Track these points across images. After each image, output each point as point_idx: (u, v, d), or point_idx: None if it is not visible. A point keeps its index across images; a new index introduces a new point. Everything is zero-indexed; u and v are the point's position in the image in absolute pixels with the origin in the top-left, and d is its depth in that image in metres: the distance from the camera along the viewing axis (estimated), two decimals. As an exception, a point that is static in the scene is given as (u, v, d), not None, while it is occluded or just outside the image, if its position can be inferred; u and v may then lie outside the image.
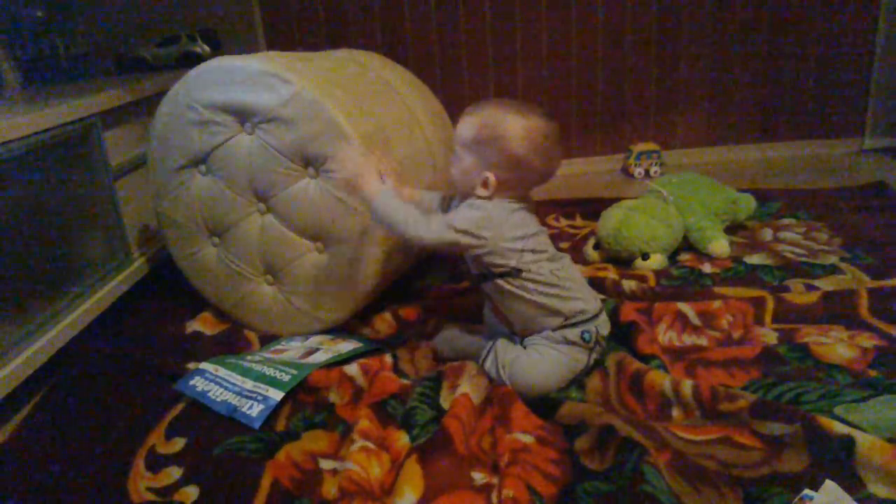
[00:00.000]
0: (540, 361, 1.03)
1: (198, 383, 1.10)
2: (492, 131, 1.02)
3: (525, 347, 1.06)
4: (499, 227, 1.01)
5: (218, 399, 1.06)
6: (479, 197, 1.05)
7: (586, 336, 1.04)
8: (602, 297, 1.26)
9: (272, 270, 1.29)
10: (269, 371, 1.11)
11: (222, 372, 1.12)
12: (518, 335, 1.09)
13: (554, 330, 1.04)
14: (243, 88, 1.19)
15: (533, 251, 1.03)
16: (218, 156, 1.25)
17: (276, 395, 1.05)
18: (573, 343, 1.04)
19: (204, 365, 1.15)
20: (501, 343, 1.07)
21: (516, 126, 1.02)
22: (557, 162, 1.08)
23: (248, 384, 1.09)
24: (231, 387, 1.09)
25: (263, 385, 1.08)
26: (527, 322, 1.07)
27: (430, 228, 1.01)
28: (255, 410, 1.03)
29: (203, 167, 1.28)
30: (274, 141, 1.18)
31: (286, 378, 1.09)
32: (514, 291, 1.03)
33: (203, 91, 1.23)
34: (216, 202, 1.28)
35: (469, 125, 1.05)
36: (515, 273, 1.02)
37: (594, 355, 1.07)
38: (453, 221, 1.01)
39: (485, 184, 1.04)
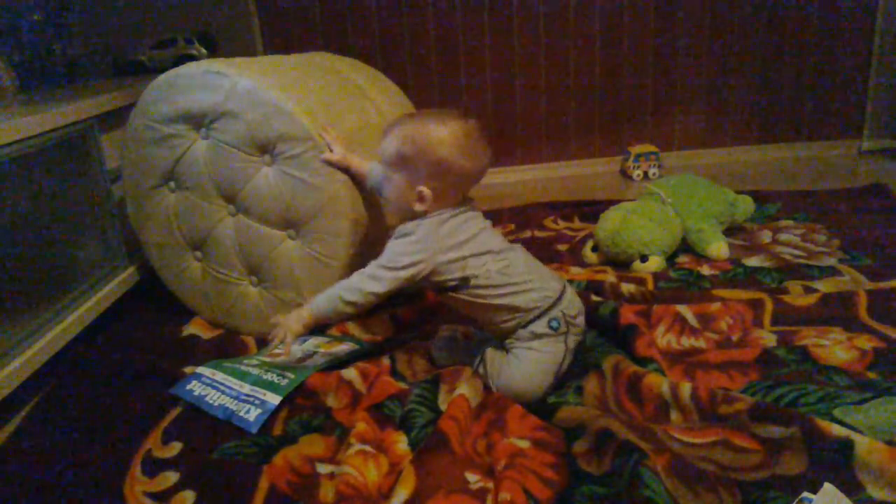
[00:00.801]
0: (520, 366, 1.03)
1: (195, 388, 1.10)
2: (415, 144, 1.02)
3: (508, 352, 1.06)
4: (431, 244, 1.02)
5: (215, 403, 1.06)
6: (417, 212, 1.05)
7: (553, 324, 1.03)
8: (599, 299, 1.27)
9: (254, 269, 1.30)
10: (267, 375, 1.11)
11: (219, 376, 1.12)
12: (497, 337, 1.09)
13: (523, 327, 1.04)
14: (188, 94, 1.23)
15: (476, 255, 1.03)
16: (182, 168, 1.28)
17: (274, 399, 1.05)
18: (544, 335, 1.03)
19: (201, 369, 1.14)
20: (490, 352, 1.07)
21: (437, 133, 1.02)
22: (486, 158, 1.06)
23: (246, 388, 1.08)
24: (228, 391, 1.08)
25: (261, 389, 1.07)
26: (494, 324, 1.06)
27: (367, 284, 1.04)
28: (252, 415, 1.02)
29: (172, 183, 1.31)
30: (226, 137, 1.21)
31: (284, 382, 1.08)
32: (468, 300, 1.04)
33: (155, 107, 1.27)
34: (190, 214, 1.31)
35: (391, 144, 1.05)
36: (464, 284, 1.03)
37: (573, 338, 1.05)
38: (387, 263, 1.03)
39: (420, 198, 1.03)
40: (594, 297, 1.26)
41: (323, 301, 1.08)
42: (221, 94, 1.19)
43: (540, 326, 1.03)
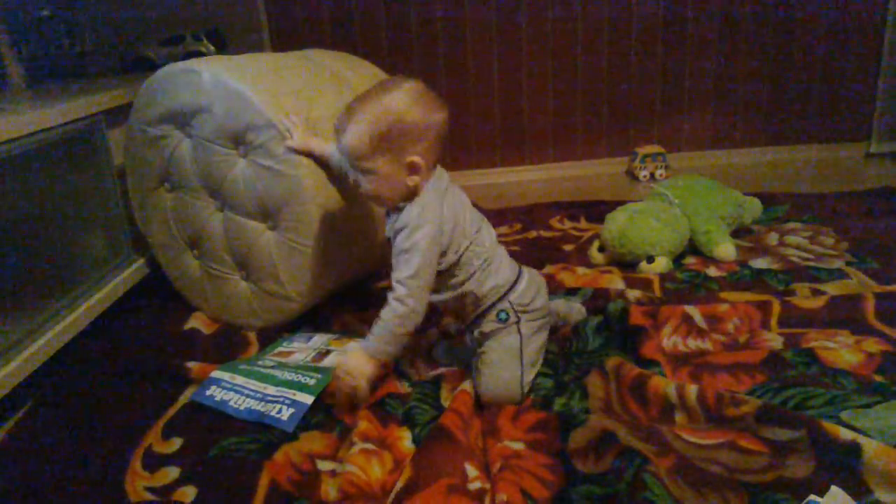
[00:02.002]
0: (484, 374, 1.03)
1: (215, 393, 1.09)
2: (386, 119, 0.97)
3: (476, 360, 1.06)
4: (443, 223, 0.99)
5: (240, 407, 1.05)
6: (411, 188, 1.00)
7: (502, 316, 1.02)
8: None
9: (241, 263, 1.31)
10: (290, 375, 1.11)
11: (239, 379, 1.11)
12: (464, 326, 1.09)
13: (477, 324, 1.04)
14: (168, 95, 1.25)
15: (464, 230, 1.02)
16: (172, 167, 1.30)
17: (306, 398, 1.04)
18: (494, 332, 1.03)
19: (217, 373, 1.14)
20: (474, 364, 1.07)
21: (396, 101, 0.97)
22: (445, 108, 1.01)
23: (271, 389, 1.08)
24: (253, 394, 1.07)
25: (289, 389, 1.07)
26: (451, 305, 1.06)
27: (417, 281, 0.97)
28: (285, 414, 1.02)
29: (167, 184, 1.33)
30: (204, 132, 1.23)
31: (312, 382, 1.08)
32: (447, 285, 1.03)
33: (143, 111, 1.29)
34: (184, 212, 1.33)
35: (358, 134, 0.98)
36: (452, 266, 1.02)
37: (527, 324, 1.03)
38: (412, 266, 0.97)
39: (413, 169, 0.99)
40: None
41: (382, 341, 1.00)
42: (194, 89, 1.21)
43: (489, 323, 1.03)
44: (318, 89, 1.30)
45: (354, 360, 1.01)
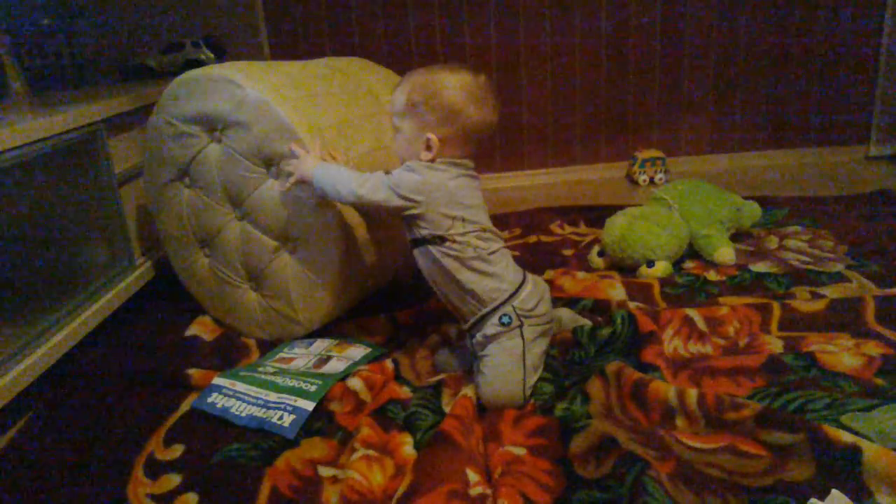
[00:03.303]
0: (486, 377, 1.03)
1: (217, 400, 1.09)
2: (424, 90, 1.03)
3: (477, 366, 1.06)
4: (435, 191, 1.02)
5: (242, 414, 1.05)
6: (422, 161, 1.04)
7: (504, 320, 1.03)
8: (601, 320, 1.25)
9: (253, 276, 1.30)
10: (291, 382, 1.11)
11: (240, 386, 1.11)
12: (463, 324, 1.09)
13: (478, 326, 1.04)
14: (204, 98, 1.22)
15: (464, 220, 1.03)
16: (195, 167, 1.28)
17: (307, 405, 1.05)
18: (497, 335, 1.03)
19: (218, 380, 1.14)
20: (476, 367, 1.07)
21: (447, 80, 1.03)
22: (495, 112, 1.06)
23: (272, 396, 1.08)
24: (254, 400, 1.08)
25: (290, 396, 1.07)
26: (454, 303, 1.06)
27: (365, 185, 1.03)
28: (286, 421, 1.02)
29: (187, 179, 1.31)
30: (236, 145, 1.21)
31: (313, 388, 1.08)
32: (438, 260, 1.03)
33: (175, 105, 1.26)
34: (201, 212, 1.31)
35: (402, 92, 1.06)
36: (440, 240, 1.02)
37: (530, 329, 1.04)
38: (389, 179, 1.02)
39: (427, 145, 1.04)
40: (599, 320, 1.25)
41: (327, 169, 1.08)
42: (234, 103, 1.18)
43: (491, 327, 1.03)
44: (362, 121, 1.30)
45: (307, 160, 1.10)
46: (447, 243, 1.02)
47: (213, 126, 1.23)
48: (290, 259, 1.24)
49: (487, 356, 1.04)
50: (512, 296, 1.04)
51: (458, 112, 1.02)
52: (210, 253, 1.36)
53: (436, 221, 1.02)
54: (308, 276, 1.23)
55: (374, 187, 1.03)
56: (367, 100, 1.38)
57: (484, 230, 1.05)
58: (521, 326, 1.03)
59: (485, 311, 1.03)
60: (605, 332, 1.16)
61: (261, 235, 1.25)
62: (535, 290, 1.07)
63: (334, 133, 1.21)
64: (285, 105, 1.16)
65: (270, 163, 1.20)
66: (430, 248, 1.03)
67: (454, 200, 1.02)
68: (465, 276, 1.02)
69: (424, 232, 1.03)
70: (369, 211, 1.19)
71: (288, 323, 1.29)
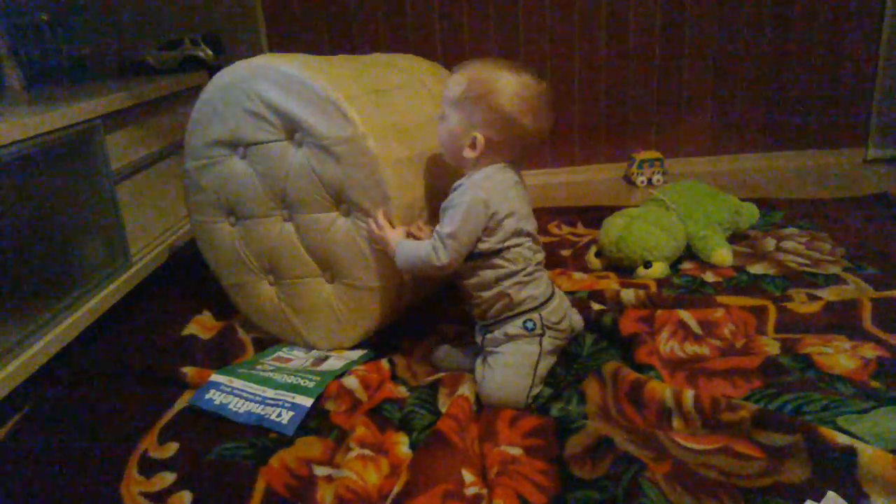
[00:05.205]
0: (495, 374, 1.02)
1: (214, 396, 1.09)
2: (481, 87, 0.98)
3: (486, 360, 1.05)
4: (502, 202, 0.98)
5: (240, 410, 1.05)
6: (465, 159, 1.02)
7: (529, 325, 1.02)
8: (602, 307, 1.26)
9: (276, 274, 1.27)
10: (290, 379, 1.11)
11: (238, 383, 1.11)
12: (477, 322, 1.08)
13: (500, 323, 1.03)
14: (301, 103, 1.12)
15: (520, 233, 1.01)
16: (259, 151, 1.19)
17: (305, 401, 1.04)
18: (518, 337, 1.02)
19: (216, 377, 1.14)
20: (478, 363, 1.06)
21: (507, 82, 0.98)
22: (548, 124, 1.03)
23: (270, 393, 1.08)
24: (252, 397, 1.07)
25: (288, 392, 1.07)
26: (480, 302, 1.04)
27: (439, 252, 0.98)
28: (284, 417, 1.02)
29: (242, 150, 1.22)
30: (318, 167, 1.13)
31: (311, 385, 1.08)
32: (484, 270, 1.01)
33: (263, 85, 1.15)
34: (245, 190, 1.23)
35: (458, 82, 1.01)
36: (494, 253, 1.00)
37: (549, 341, 1.04)
38: (454, 222, 0.97)
39: (472, 144, 1.00)
40: (595, 306, 1.26)
41: (406, 248, 1.03)
42: (337, 134, 1.09)
43: (514, 327, 1.02)
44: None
45: (389, 232, 1.06)
46: (502, 253, 1.00)
47: (296, 128, 1.14)
48: (325, 287, 1.21)
49: (500, 354, 1.03)
50: (542, 305, 1.03)
51: (513, 120, 0.98)
52: (237, 224, 1.28)
53: (500, 233, 0.99)
54: (341, 315, 1.21)
55: (449, 248, 0.98)
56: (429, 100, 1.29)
57: (534, 241, 1.04)
58: (542, 335, 1.03)
59: (513, 313, 1.03)
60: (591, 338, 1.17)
61: (302, 250, 1.21)
62: (559, 306, 1.07)
63: (416, 206, 1.15)
64: (389, 168, 1.08)
65: (345, 202, 1.13)
66: (480, 260, 1.01)
67: (501, 197, 0.99)
68: (506, 283, 1.02)
69: (484, 246, 1.00)
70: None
71: (293, 335, 1.27)
